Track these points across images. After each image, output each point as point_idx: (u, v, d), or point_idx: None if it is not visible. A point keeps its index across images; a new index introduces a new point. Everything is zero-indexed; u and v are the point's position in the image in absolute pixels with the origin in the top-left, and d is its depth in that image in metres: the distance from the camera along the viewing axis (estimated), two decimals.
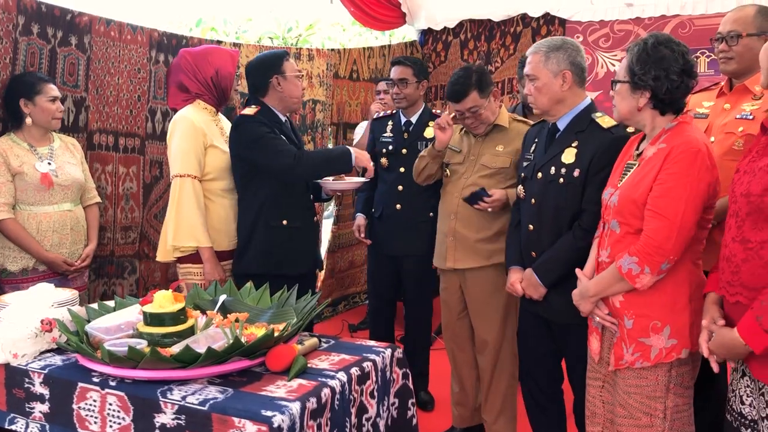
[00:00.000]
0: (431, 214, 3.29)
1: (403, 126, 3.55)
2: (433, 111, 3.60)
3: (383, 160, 3.52)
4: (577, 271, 2.19)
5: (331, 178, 2.96)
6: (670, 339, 1.95)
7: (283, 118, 2.93)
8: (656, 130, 2.03)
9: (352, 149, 2.85)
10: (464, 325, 3.02)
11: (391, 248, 3.51)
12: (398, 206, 3.46)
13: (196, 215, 2.77)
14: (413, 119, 3.54)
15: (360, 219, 3.67)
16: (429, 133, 3.44)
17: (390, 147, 3.52)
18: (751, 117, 2.38)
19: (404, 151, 3.48)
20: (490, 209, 2.81)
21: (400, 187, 3.45)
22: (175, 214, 2.77)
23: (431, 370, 3.64)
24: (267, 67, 2.88)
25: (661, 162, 1.93)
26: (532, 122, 2.98)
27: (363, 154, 2.89)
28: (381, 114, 3.73)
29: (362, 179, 3.02)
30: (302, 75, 2.97)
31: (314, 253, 3.04)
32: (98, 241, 3.30)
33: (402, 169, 3.45)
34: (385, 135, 3.56)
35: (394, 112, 3.65)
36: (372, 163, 2.91)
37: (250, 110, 2.84)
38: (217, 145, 2.86)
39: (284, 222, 2.83)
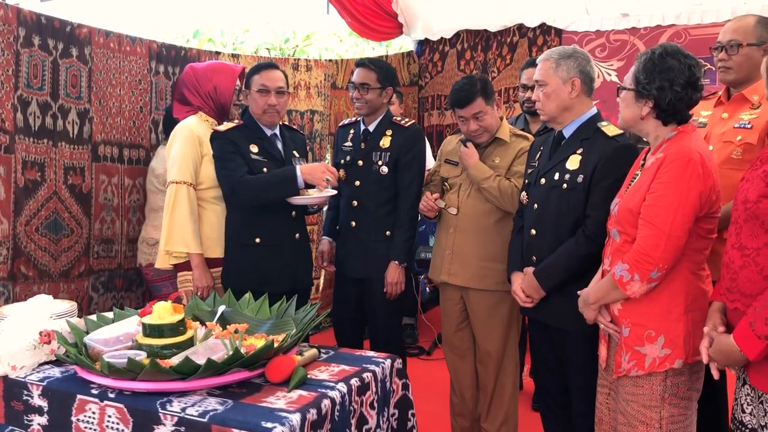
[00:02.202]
0: (388, 233, 3.06)
1: (361, 135, 3.18)
2: (394, 119, 3.19)
3: (341, 172, 3.15)
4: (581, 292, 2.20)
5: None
6: (664, 348, 1.95)
7: (269, 132, 2.89)
8: (658, 139, 2.04)
9: (299, 167, 2.73)
10: (465, 336, 3.02)
11: (353, 270, 3.13)
12: (353, 223, 3.11)
13: (188, 221, 2.80)
14: (371, 128, 3.15)
15: (324, 244, 3.27)
16: (385, 142, 3.11)
17: (348, 157, 3.17)
18: (749, 126, 2.39)
19: (360, 162, 3.13)
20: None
21: (355, 203, 3.11)
22: (168, 219, 2.81)
23: (430, 381, 3.63)
24: (246, 79, 2.90)
25: (655, 171, 1.95)
26: (532, 135, 2.99)
27: (315, 169, 2.74)
28: (346, 121, 3.36)
29: (329, 192, 2.83)
30: (266, 90, 2.81)
31: (295, 271, 2.91)
32: (106, 255, 3.36)
33: (357, 183, 3.11)
34: (345, 145, 3.22)
35: (358, 119, 3.28)
36: (337, 173, 2.81)
37: (225, 125, 2.85)
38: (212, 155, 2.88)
39: (257, 240, 2.81)
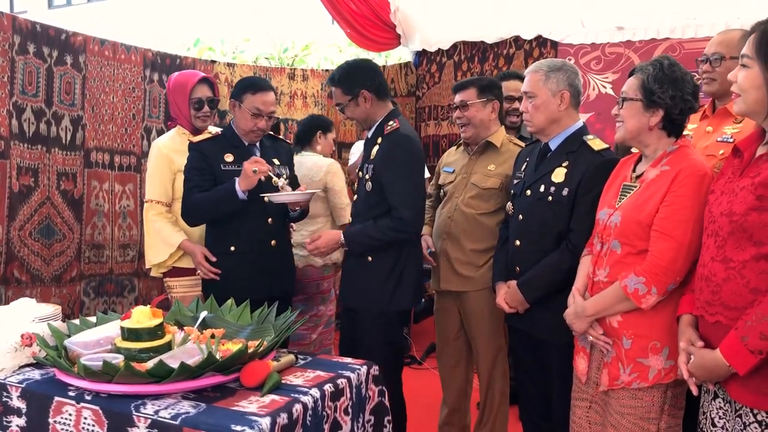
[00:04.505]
0: (370, 258, 2.68)
1: (364, 146, 2.89)
2: (386, 126, 2.71)
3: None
4: (573, 292, 2.18)
5: (280, 190, 2.71)
6: (669, 360, 1.95)
7: (246, 142, 2.84)
8: (658, 152, 2.05)
9: (237, 179, 2.65)
10: (459, 345, 3.03)
11: (342, 297, 2.86)
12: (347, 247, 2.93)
13: (159, 233, 2.88)
14: (369, 137, 2.81)
15: None
16: (374, 153, 2.71)
17: (358, 173, 2.87)
18: (731, 140, 2.39)
19: (360, 175, 2.81)
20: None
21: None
22: (145, 239, 2.94)
23: (421, 390, 3.64)
24: (236, 88, 2.84)
25: (669, 184, 1.95)
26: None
27: (251, 162, 2.63)
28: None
29: (311, 191, 2.78)
30: (259, 114, 2.76)
31: (270, 278, 2.83)
32: (97, 260, 3.41)
33: (354, 198, 2.88)
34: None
35: None
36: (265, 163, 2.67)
37: (200, 136, 2.87)
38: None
39: (232, 248, 2.79)
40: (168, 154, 2.91)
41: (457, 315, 2.98)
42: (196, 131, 2.99)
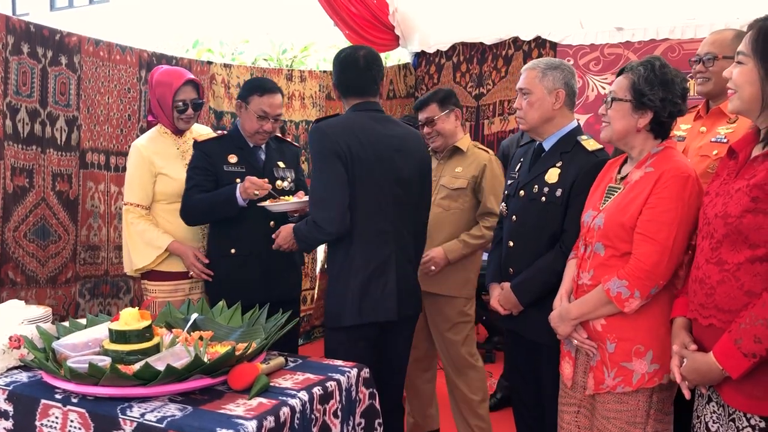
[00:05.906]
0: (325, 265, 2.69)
1: None
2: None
3: None
4: (560, 296, 2.18)
5: (267, 201, 2.68)
6: (653, 364, 1.93)
7: (252, 143, 2.83)
8: (643, 153, 2.03)
9: (239, 186, 2.65)
10: (425, 346, 3.12)
11: None
12: None
13: (142, 236, 2.82)
14: None
15: None
16: None
17: None
18: (725, 140, 2.38)
19: None
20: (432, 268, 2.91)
21: None
22: (126, 242, 2.88)
23: None
24: (243, 89, 2.81)
25: (651, 186, 1.93)
26: (491, 151, 3.19)
27: (252, 183, 2.63)
28: None
29: (305, 199, 2.67)
30: (265, 117, 2.74)
31: (269, 281, 2.78)
32: (93, 261, 3.39)
33: None
34: None
35: None
36: (265, 185, 2.66)
37: (204, 135, 2.83)
38: (166, 172, 2.84)
39: (232, 251, 2.76)
40: (148, 156, 2.85)
41: (422, 314, 3.02)
42: (177, 131, 2.93)
